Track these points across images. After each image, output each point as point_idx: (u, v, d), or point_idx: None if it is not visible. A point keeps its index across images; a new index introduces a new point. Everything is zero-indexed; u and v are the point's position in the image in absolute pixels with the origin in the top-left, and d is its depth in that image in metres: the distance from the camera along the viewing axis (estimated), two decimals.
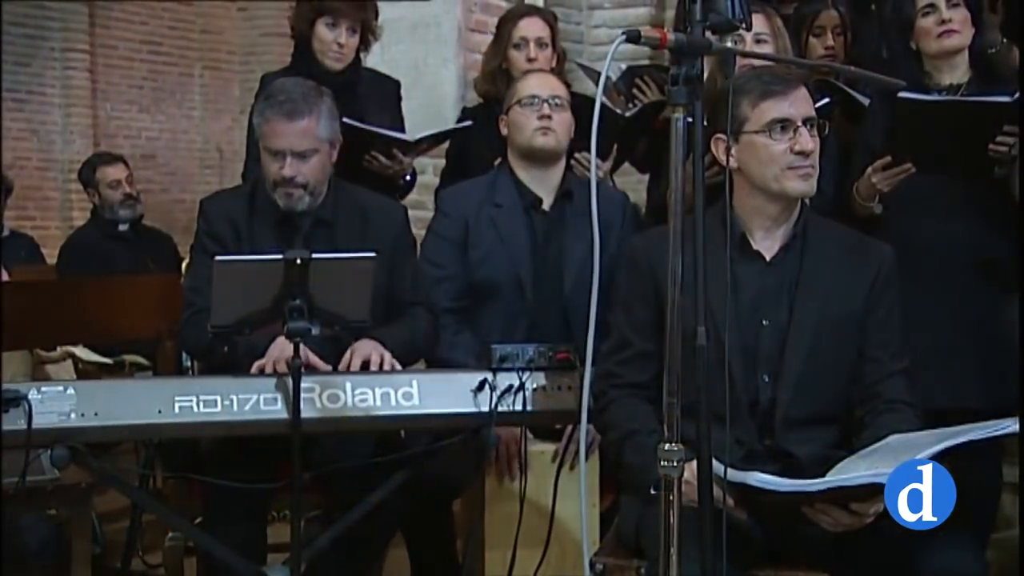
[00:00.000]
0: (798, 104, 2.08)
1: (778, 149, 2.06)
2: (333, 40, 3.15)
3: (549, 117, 2.73)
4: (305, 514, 2.54)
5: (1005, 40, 3.11)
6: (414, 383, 2.30)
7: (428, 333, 2.62)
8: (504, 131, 2.84)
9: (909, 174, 2.58)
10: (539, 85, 2.79)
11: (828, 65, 2.96)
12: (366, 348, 2.40)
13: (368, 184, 2.98)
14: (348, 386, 2.26)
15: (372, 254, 2.23)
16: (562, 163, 2.83)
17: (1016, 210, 2.65)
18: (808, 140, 2.06)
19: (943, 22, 2.61)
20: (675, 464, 1.59)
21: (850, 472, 1.85)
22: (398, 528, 2.67)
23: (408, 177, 3.27)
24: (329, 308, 2.15)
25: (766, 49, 2.70)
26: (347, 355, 2.40)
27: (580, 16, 4.57)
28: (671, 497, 1.59)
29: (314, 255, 2.11)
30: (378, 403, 2.26)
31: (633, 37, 1.53)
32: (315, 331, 2.12)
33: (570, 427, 2.59)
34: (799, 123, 2.07)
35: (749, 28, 1.67)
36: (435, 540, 2.83)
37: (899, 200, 2.65)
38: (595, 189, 1.62)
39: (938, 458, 1.74)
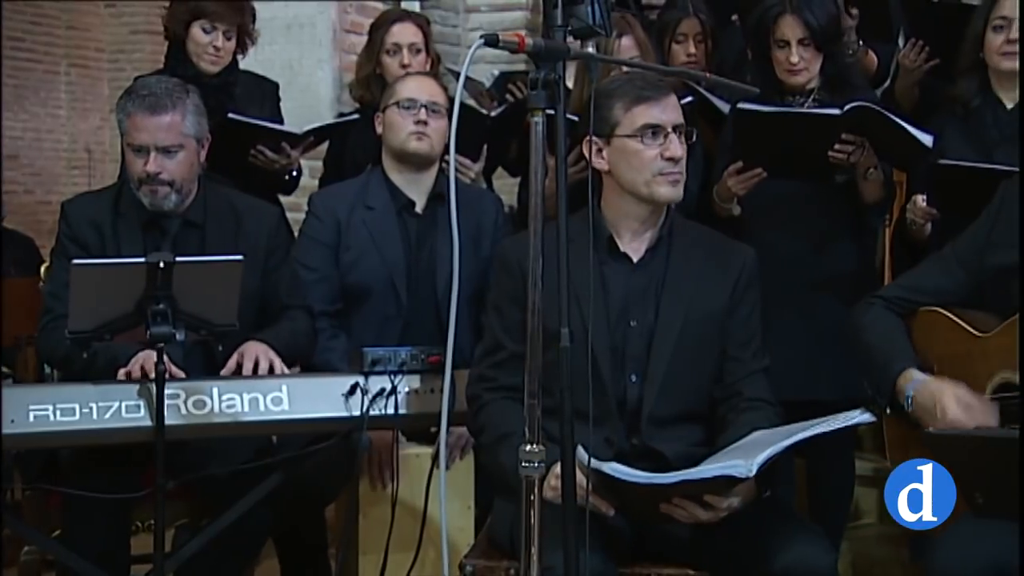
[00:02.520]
0: (669, 111, 2.11)
1: (649, 154, 2.09)
2: (209, 43, 3.10)
3: (425, 123, 2.71)
4: (172, 523, 2.48)
5: (861, 43, 3.23)
6: (284, 388, 2.27)
7: (308, 334, 2.59)
8: (379, 129, 2.81)
9: (761, 178, 2.68)
10: (418, 89, 2.77)
11: (688, 72, 3.04)
12: (255, 351, 2.36)
13: (255, 179, 2.93)
14: (215, 392, 2.22)
15: (239, 257, 2.19)
16: (435, 167, 2.82)
17: (856, 214, 2.79)
18: (678, 146, 2.10)
19: (792, 63, 2.72)
20: (536, 465, 1.61)
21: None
22: (268, 535, 2.63)
23: (295, 172, 3.23)
24: (195, 312, 2.10)
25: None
26: (234, 357, 2.35)
27: (457, 19, 4.58)
28: (532, 497, 1.60)
29: (178, 259, 2.06)
30: (246, 408, 2.23)
31: (491, 40, 1.54)
32: (180, 336, 2.08)
33: None
34: (670, 129, 2.10)
35: (609, 34, 1.69)
36: (307, 547, 2.80)
37: (753, 203, 2.75)
38: (454, 190, 1.62)
39: (795, 451, 1.80)
